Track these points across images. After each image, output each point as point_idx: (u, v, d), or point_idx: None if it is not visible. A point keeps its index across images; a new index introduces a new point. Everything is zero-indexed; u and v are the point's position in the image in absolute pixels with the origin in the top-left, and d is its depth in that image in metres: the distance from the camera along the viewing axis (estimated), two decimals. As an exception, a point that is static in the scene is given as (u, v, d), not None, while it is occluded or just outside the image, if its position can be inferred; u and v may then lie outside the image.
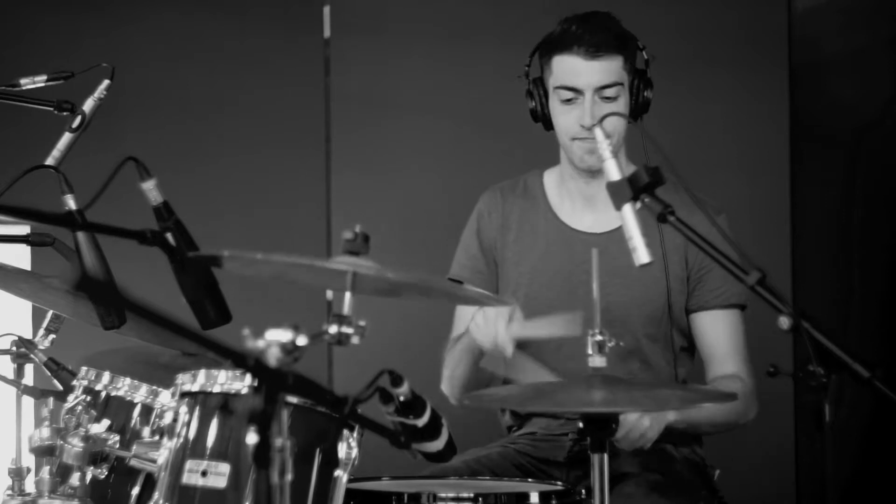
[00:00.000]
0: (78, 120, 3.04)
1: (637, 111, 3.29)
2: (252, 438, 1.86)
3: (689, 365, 3.44)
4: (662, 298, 3.34)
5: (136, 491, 2.79)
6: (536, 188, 3.47)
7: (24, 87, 3.13)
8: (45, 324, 3.11)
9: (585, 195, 3.39)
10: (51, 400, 2.88)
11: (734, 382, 3.30)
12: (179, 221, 2.58)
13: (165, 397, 2.77)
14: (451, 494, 2.72)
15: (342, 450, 2.53)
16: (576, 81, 3.26)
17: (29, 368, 3.12)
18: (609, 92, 3.25)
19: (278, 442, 1.86)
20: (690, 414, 3.25)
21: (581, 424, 2.51)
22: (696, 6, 4.57)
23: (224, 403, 2.56)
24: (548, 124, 3.34)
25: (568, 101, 3.27)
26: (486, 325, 3.08)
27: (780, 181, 4.58)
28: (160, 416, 2.77)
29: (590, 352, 2.53)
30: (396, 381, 2.44)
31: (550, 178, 3.47)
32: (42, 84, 3.13)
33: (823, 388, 2.23)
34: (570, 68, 3.26)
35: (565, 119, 3.29)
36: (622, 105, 3.26)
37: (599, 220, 3.39)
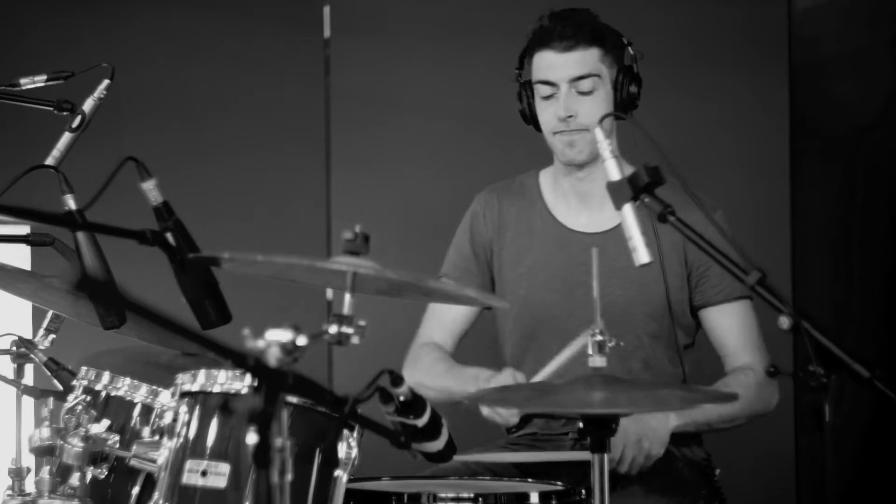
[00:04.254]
0: (78, 120, 3.04)
1: (622, 106, 3.29)
2: (252, 438, 1.86)
3: (691, 362, 3.44)
4: (662, 297, 3.34)
5: (136, 491, 2.78)
6: (532, 188, 3.47)
7: (24, 87, 3.13)
8: (45, 324, 3.10)
9: (579, 193, 3.40)
10: (51, 400, 2.88)
11: (746, 375, 3.30)
12: (179, 221, 2.58)
13: (165, 397, 2.77)
14: (450, 494, 2.71)
15: (342, 450, 2.52)
16: (551, 75, 3.29)
17: (29, 368, 3.12)
18: (584, 85, 3.27)
19: (278, 442, 1.86)
20: (694, 415, 3.25)
21: (581, 424, 2.51)
22: (696, 6, 4.58)
23: (224, 403, 2.55)
24: (538, 126, 3.36)
25: (547, 96, 3.30)
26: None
27: (780, 181, 4.58)
28: (160, 416, 2.77)
29: (590, 352, 2.53)
30: (396, 381, 2.44)
31: (546, 179, 3.47)
32: (42, 84, 3.12)
33: (823, 388, 2.23)
34: (546, 63, 3.30)
35: (545, 114, 3.32)
36: (601, 99, 3.28)
37: (595, 220, 3.39)
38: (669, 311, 3.35)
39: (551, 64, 3.29)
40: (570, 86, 3.28)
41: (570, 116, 3.28)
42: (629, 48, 3.33)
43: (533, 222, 3.43)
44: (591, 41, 3.28)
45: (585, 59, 3.28)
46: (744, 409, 3.29)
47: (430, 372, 3.40)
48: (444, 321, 3.47)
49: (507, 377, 3.16)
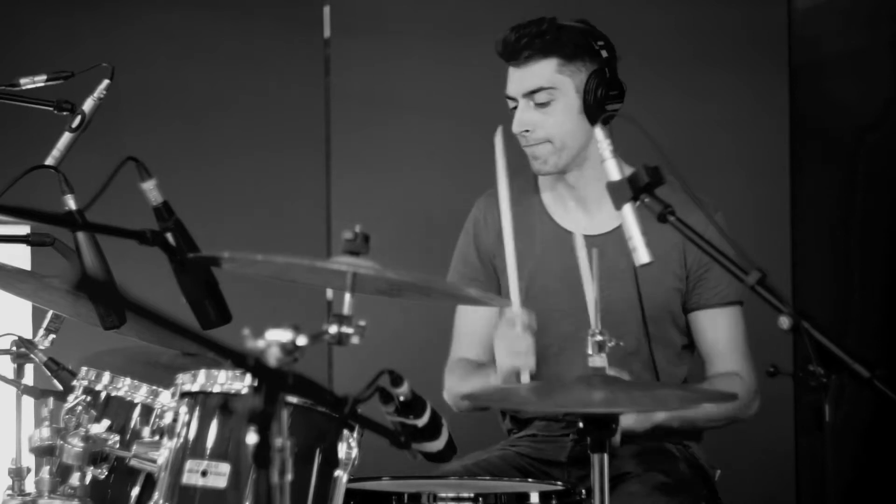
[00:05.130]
0: (78, 120, 3.04)
1: (591, 111, 3.26)
2: (252, 438, 1.86)
3: (690, 363, 3.44)
4: (660, 298, 3.34)
5: (136, 491, 2.78)
6: (531, 191, 3.47)
7: (24, 87, 3.13)
8: (45, 324, 3.11)
9: (576, 198, 3.40)
10: (51, 400, 2.88)
11: (733, 380, 3.30)
12: (179, 221, 2.58)
13: (165, 397, 2.77)
14: (451, 494, 2.71)
15: (342, 450, 2.52)
16: (509, 89, 3.32)
17: (29, 368, 3.12)
18: (538, 97, 3.27)
19: (278, 442, 1.86)
20: (684, 413, 3.25)
21: (581, 425, 2.51)
22: (696, 6, 4.58)
23: (224, 403, 2.56)
24: None
25: (514, 109, 3.31)
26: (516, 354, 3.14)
27: (780, 181, 4.59)
28: (160, 416, 2.77)
29: (590, 352, 2.53)
30: (396, 381, 2.44)
31: (545, 181, 3.46)
32: (42, 84, 3.12)
33: (823, 388, 2.23)
34: (508, 78, 3.32)
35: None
36: (560, 109, 3.27)
37: (593, 222, 3.38)
38: (668, 312, 3.35)
39: (510, 78, 3.31)
40: (526, 100, 3.29)
41: (526, 131, 3.28)
42: (602, 51, 3.30)
43: (532, 225, 3.43)
44: (547, 52, 3.26)
45: (538, 71, 3.27)
46: (727, 412, 3.30)
47: (463, 381, 3.40)
48: (472, 334, 3.44)
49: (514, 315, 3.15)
